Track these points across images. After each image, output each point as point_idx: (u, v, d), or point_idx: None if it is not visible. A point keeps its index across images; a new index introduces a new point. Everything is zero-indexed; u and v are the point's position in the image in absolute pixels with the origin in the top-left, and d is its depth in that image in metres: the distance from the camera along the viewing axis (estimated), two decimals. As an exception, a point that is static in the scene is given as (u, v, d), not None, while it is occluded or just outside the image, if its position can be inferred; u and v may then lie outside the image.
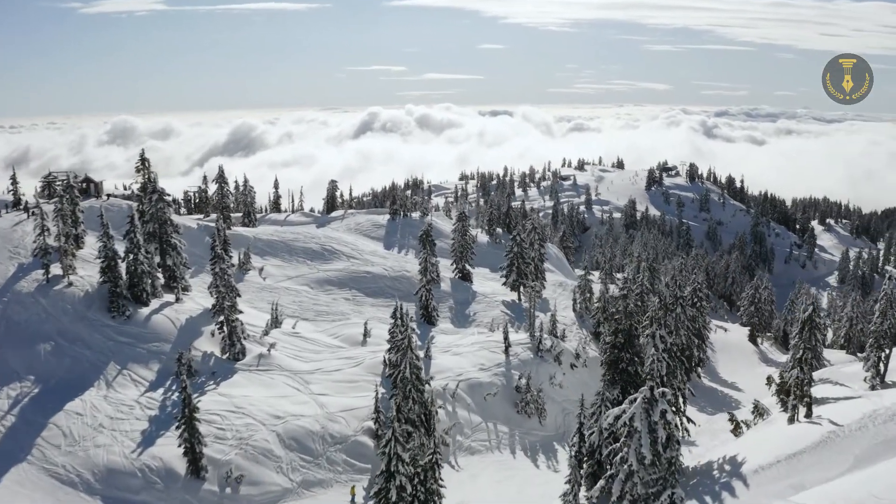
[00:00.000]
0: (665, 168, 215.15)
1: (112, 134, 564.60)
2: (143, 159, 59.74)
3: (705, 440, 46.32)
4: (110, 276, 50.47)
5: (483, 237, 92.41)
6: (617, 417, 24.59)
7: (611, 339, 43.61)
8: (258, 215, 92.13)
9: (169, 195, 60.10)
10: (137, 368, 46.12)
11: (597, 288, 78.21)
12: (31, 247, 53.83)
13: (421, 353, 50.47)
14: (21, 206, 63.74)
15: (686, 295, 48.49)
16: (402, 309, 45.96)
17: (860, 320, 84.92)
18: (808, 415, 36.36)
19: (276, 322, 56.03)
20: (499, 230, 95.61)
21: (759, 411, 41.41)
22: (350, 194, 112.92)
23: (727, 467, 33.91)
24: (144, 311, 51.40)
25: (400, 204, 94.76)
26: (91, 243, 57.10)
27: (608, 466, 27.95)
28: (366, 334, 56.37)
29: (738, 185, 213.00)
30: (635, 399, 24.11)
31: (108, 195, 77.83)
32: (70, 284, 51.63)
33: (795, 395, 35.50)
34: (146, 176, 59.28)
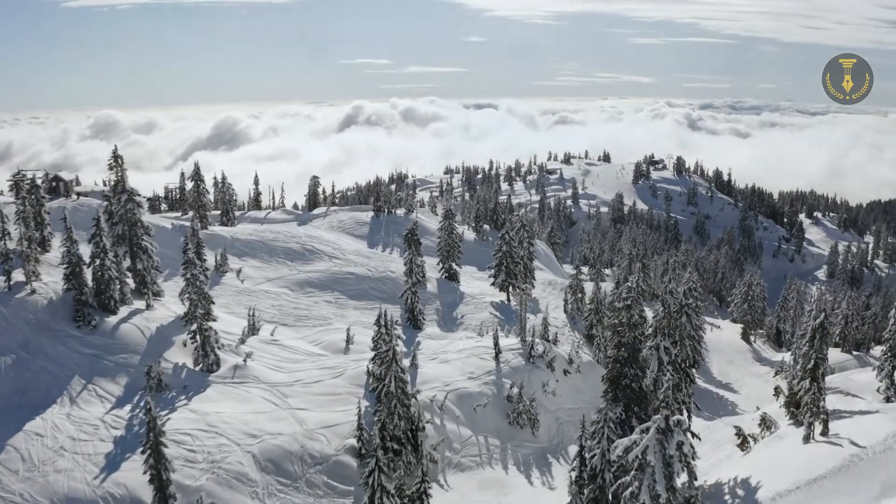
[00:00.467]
0: (652, 161, 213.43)
1: (95, 128, 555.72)
2: (116, 156, 56.44)
3: (707, 451, 43.81)
4: (74, 283, 47.34)
5: (470, 234, 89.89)
6: (627, 449, 22.04)
7: (613, 352, 40.89)
8: (238, 213, 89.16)
9: (139, 195, 56.85)
10: (103, 383, 43.08)
11: (588, 287, 75.79)
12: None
13: (407, 362, 47.79)
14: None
15: (690, 302, 45.81)
16: (386, 316, 43.19)
17: (855, 318, 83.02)
18: (825, 432, 33.98)
19: (253, 329, 53.09)
20: (486, 227, 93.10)
21: (767, 424, 38.99)
22: (333, 190, 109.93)
23: (740, 491, 31.43)
24: (112, 319, 48.30)
25: (384, 201, 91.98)
26: (59, 246, 53.83)
27: (614, 499, 25.38)
28: (348, 341, 53.66)
29: (725, 178, 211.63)
30: (647, 429, 21.58)
31: (79, 194, 74.51)
32: (33, 292, 48.50)
33: (811, 411, 33.10)
34: (119, 174, 56.08)
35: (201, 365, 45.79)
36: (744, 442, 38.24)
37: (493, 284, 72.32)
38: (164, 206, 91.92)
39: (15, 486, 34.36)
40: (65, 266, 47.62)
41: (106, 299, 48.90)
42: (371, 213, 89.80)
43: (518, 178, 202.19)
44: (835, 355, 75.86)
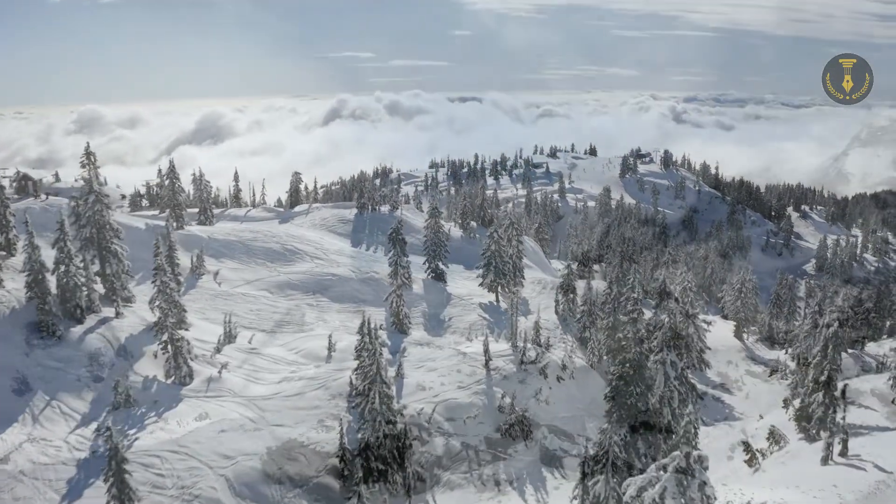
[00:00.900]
0: (639, 155, 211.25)
1: (79, 123, 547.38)
2: (88, 153, 53.25)
3: (711, 463, 41.60)
4: (37, 291, 44.26)
5: (456, 231, 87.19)
6: (641, 489, 19.65)
7: (617, 369, 38.41)
8: (217, 211, 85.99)
9: (107, 196, 53.71)
10: (68, 399, 40.25)
11: (579, 285, 73.41)
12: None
13: (392, 371, 45.28)
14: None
15: (695, 312, 43.44)
16: (369, 324, 40.60)
17: (851, 315, 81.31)
18: (844, 453, 31.74)
19: (229, 337, 50.25)
20: (473, 224, 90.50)
21: (776, 438, 36.77)
22: (315, 185, 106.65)
23: (756, 519, 29.08)
24: (78, 329, 45.33)
25: (368, 197, 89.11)
26: (22, 251, 50.76)
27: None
28: (330, 348, 50.85)
29: (712, 171, 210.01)
30: (665, 466, 19.21)
31: (48, 194, 71.03)
32: (-7, 300, 45.48)
33: (831, 430, 30.86)
34: (90, 172, 52.94)
35: (173, 377, 43.03)
36: (752, 458, 35.97)
37: (481, 285, 69.78)
38: (145, 202, 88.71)
39: (-34, 516, 31.67)
40: (26, 273, 44.61)
41: (71, 307, 45.93)
42: (354, 211, 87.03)
43: (504, 173, 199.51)
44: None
